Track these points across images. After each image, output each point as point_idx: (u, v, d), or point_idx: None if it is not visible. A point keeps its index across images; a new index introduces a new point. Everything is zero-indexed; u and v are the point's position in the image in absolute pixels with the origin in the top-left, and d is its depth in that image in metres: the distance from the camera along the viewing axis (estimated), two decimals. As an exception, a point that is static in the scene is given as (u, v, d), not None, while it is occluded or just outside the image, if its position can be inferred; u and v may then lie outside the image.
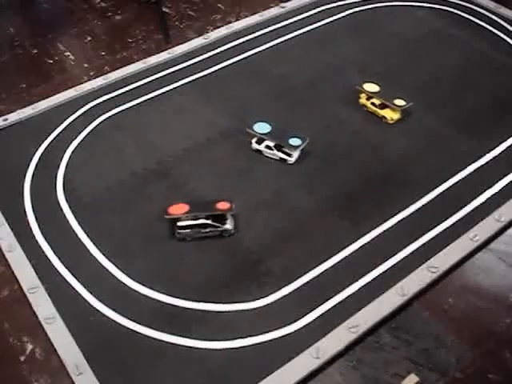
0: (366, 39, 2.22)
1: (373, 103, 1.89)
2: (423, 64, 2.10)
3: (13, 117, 1.92)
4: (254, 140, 1.76)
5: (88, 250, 1.52)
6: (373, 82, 1.93)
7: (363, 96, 1.92)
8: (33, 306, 1.40)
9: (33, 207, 1.63)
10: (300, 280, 1.44)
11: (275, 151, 1.73)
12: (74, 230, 1.57)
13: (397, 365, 1.28)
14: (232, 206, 1.54)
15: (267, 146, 1.74)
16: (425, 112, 1.90)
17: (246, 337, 1.32)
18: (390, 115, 1.86)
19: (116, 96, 2.00)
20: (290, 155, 1.73)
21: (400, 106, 1.86)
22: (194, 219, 1.51)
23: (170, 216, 1.53)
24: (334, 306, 1.38)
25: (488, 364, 1.29)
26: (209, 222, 1.51)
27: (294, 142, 1.73)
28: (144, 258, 1.50)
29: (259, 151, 1.75)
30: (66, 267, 1.47)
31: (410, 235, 1.53)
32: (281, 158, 1.73)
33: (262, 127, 1.77)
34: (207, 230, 1.52)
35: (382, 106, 1.87)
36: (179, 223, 1.52)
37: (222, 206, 1.54)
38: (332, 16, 2.34)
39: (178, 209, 1.54)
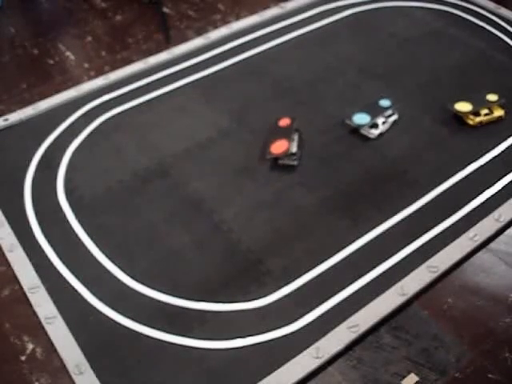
0: (366, 39, 2.22)
1: (486, 114, 1.84)
2: (423, 64, 2.10)
3: (13, 117, 1.92)
4: (371, 130, 1.81)
5: (88, 250, 1.52)
6: (459, 101, 1.88)
7: (470, 117, 1.84)
8: (33, 306, 1.40)
9: (33, 207, 1.63)
10: (300, 280, 1.44)
11: (387, 121, 1.83)
12: (74, 230, 1.57)
13: (397, 364, 1.28)
14: (292, 119, 1.79)
15: (383, 123, 1.82)
16: (425, 112, 1.90)
17: (245, 337, 1.33)
18: (501, 112, 1.85)
19: (116, 96, 2.00)
20: (392, 114, 1.85)
21: (496, 101, 1.86)
22: (293, 141, 1.74)
23: (281, 154, 1.69)
24: (334, 305, 1.38)
25: (488, 364, 1.29)
26: (298, 134, 1.78)
27: (385, 103, 1.88)
28: (144, 258, 1.50)
29: (381, 134, 1.82)
30: (67, 267, 1.48)
31: (410, 235, 1.53)
32: (393, 121, 1.84)
33: (361, 118, 1.83)
34: (299, 142, 1.76)
35: (491, 110, 1.85)
36: (292, 151, 1.71)
37: (285, 122, 1.78)
38: (332, 16, 2.34)
39: (279, 147, 1.70)
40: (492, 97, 1.87)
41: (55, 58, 2.23)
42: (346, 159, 1.75)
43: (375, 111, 1.85)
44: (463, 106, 1.87)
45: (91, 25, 2.40)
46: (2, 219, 1.60)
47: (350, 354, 1.31)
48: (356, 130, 1.82)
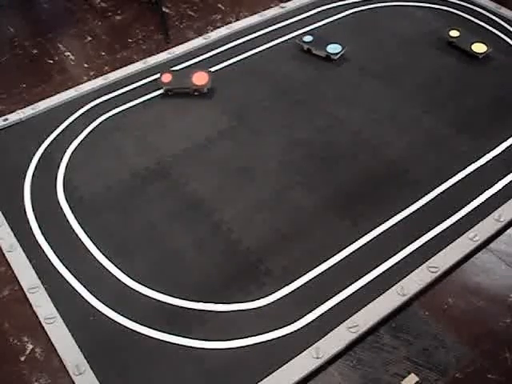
0: (366, 39, 2.22)
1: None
2: (423, 64, 2.10)
3: (13, 117, 1.92)
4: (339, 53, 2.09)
5: (88, 250, 1.52)
6: (474, 43, 2.12)
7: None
8: (33, 306, 1.40)
9: (33, 207, 1.63)
10: (300, 280, 1.44)
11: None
12: (74, 230, 1.57)
13: (397, 365, 1.28)
14: (171, 73, 1.99)
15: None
16: (424, 112, 1.90)
17: (245, 337, 1.32)
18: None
19: (116, 96, 2.00)
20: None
21: (459, 35, 2.17)
22: None
23: (207, 83, 1.97)
24: (334, 306, 1.38)
25: (488, 364, 1.29)
26: None
27: (309, 38, 2.17)
28: (144, 258, 1.50)
29: None
30: (66, 267, 1.48)
31: (410, 235, 1.53)
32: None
33: (334, 48, 2.11)
34: None
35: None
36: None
37: (167, 77, 1.98)
38: (332, 16, 2.34)
39: (200, 78, 1.97)
40: (454, 32, 2.16)
41: (55, 57, 2.23)
42: (346, 159, 1.75)
43: (326, 41, 2.14)
44: (480, 48, 2.10)
45: (91, 25, 2.40)
46: (1, 219, 1.60)
47: (350, 355, 1.31)
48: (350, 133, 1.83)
